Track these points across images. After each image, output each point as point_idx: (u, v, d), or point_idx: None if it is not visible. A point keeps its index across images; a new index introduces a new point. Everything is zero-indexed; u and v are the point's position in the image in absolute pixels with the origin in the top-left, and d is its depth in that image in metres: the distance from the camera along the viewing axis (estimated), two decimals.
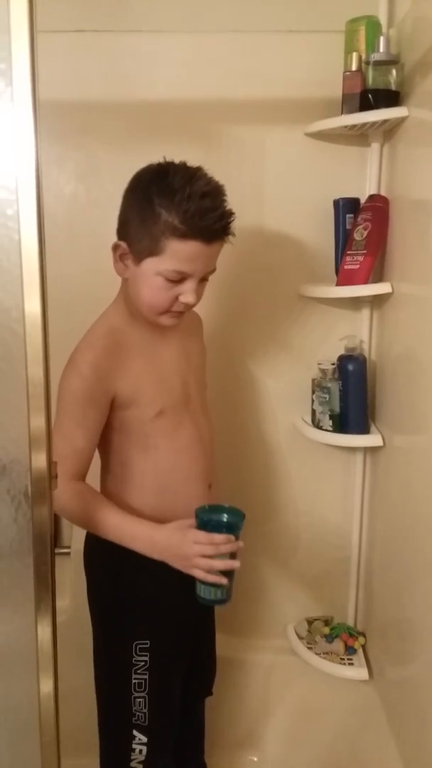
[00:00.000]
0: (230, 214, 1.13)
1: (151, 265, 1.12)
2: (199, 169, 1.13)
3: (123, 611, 1.25)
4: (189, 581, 1.15)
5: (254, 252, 1.64)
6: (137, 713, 1.26)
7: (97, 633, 1.29)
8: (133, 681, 1.25)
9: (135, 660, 1.24)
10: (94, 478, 1.24)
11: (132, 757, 1.27)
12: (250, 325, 1.70)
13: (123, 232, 1.16)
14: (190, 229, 1.08)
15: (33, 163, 0.73)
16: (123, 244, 1.15)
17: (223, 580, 1.11)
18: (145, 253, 1.12)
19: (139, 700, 1.25)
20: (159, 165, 1.13)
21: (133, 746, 1.27)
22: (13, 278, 0.74)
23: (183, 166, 1.12)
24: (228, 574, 1.12)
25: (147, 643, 1.24)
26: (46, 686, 0.86)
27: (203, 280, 1.17)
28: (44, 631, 0.84)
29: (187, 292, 1.14)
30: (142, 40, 1.55)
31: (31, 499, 0.82)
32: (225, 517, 1.14)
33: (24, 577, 0.83)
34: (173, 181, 1.08)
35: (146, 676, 1.24)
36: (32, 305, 0.75)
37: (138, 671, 1.24)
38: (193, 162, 1.57)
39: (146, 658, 1.24)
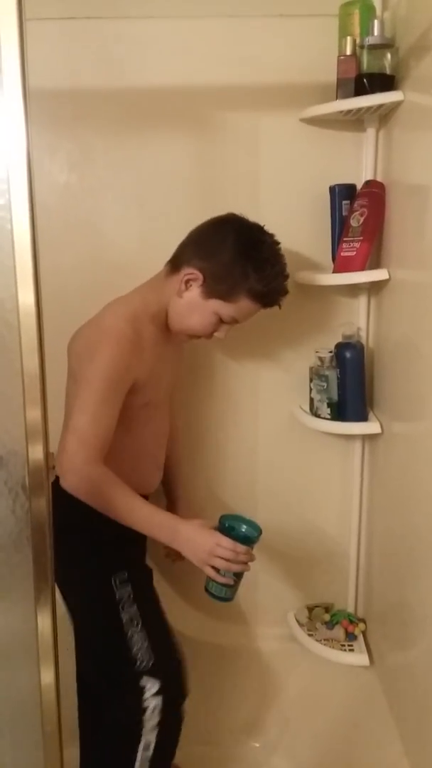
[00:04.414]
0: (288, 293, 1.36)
1: (216, 306, 1.31)
2: (279, 244, 1.34)
3: (93, 549, 1.29)
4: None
5: None
6: (139, 654, 1.23)
7: (72, 585, 1.26)
8: (123, 618, 1.26)
9: (119, 595, 1.27)
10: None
11: (145, 719, 1.21)
12: None
13: (201, 265, 1.29)
14: (265, 298, 1.32)
15: (24, 153, 0.72)
16: (200, 276, 1.29)
17: (231, 582, 1.25)
18: (217, 294, 1.30)
19: (136, 637, 1.25)
20: (253, 228, 1.33)
21: (144, 704, 1.21)
22: (6, 269, 0.74)
23: (271, 239, 1.33)
24: (237, 577, 1.25)
25: (125, 574, 1.29)
26: (47, 676, 0.87)
27: None
28: (44, 622, 0.85)
29: (223, 332, 1.35)
30: (134, 26, 1.53)
31: (28, 491, 0.81)
32: (244, 528, 1.27)
33: (23, 569, 0.84)
34: (266, 252, 1.30)
35: (135, 608, 1.27)
36: (26, 296, 0.75)
37: (125, 606, 1.27)
38: (188, 149, 1.58)
39: (129, 589, 1.28)
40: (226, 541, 1.20)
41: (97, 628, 1.30)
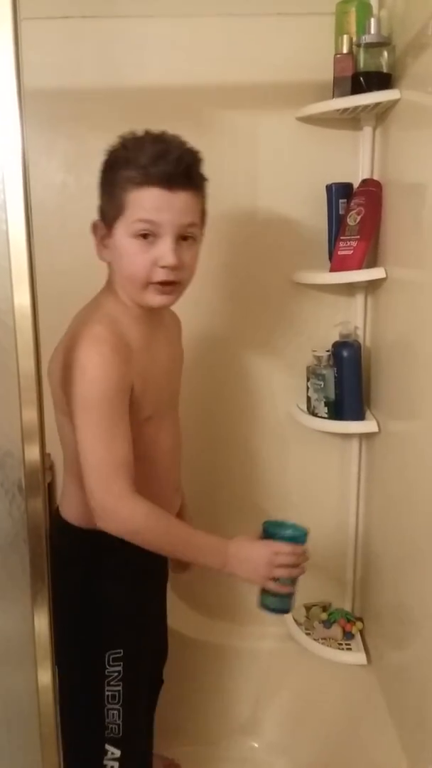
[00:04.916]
0: (189, 155, 1.08)
1: (121, 228, 1.08)
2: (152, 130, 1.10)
3: (95, 621, 1.19)
4: (156, 581, 1.19)
5: (247, 239, 1.62)
6: (110, 725, 1.22)
7: (65, 644, 1.13)
8: (107, 693, 1.21)
9: (108, 671, 1.20)
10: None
11: None
12: (244, 313, 1.69)
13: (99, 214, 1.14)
14: (145, 175, 1.04)
15: (19, 153, 0.72)
16: (98, 222, 1.13)
17: (292, 590, 1.14)
18: (113, 217, 1.08)
19: (112, 712, 1.22)
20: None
21: (104, 762, 1.23)
22: (2, 270, 0.74)
23: (137, 131, 1.10)
24: (293, 583, 1.15)
25: (120, 653, 1.20)
26: (45, 677, 0.87)
27: (185, 239, 1.09)
28: (41, 623, 0.85)
29: (164, 254, 1.06)
30: (131, 25, 1.53)
31: (25, 492, 0.81)
32: (290, 532, 1.16)
33: (19, 570, 0.84)
34: (126, 141, 1.09)
35: (120, 687, 1.21)
36: (22, 297, 0.75)
37: (111, 682, 1.21)
38: None
39: (119, 668, 1.20)
40: (283, 546, 1.11)
41: (78, 691, 1.21)
